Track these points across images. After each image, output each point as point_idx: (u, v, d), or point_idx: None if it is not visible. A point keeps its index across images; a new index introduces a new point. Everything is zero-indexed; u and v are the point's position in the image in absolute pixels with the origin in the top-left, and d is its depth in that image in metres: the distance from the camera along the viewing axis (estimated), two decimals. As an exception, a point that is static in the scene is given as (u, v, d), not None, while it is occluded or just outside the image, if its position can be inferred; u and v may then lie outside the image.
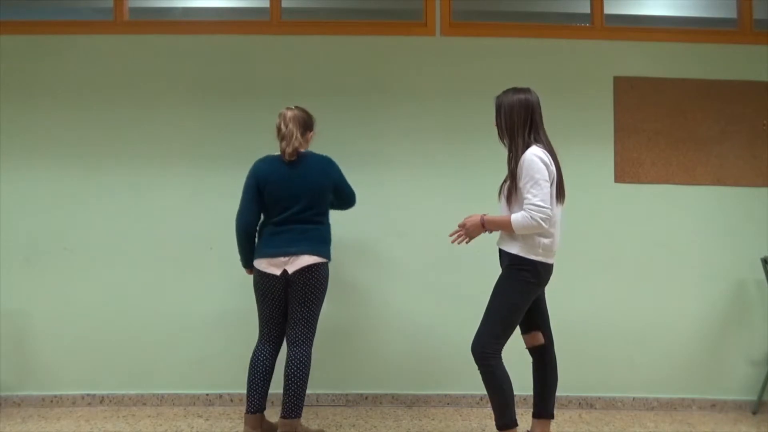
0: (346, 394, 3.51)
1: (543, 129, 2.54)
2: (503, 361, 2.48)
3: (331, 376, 3.48)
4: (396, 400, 3.51)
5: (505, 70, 3.52)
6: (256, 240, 2.82)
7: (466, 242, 2.61)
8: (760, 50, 3.61)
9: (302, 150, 2.78)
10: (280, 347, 2.85)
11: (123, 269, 3.49)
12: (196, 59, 3.58)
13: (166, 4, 4.01)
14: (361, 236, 3.50)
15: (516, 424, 2.49)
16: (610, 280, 3.52)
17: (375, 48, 3.60)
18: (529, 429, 2.72)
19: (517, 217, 2.40)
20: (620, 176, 3.57)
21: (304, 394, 2.74)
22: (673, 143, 3.57)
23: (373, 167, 3.54)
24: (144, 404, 3.47)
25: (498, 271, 2.57)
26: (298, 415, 2.72)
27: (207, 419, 3.25)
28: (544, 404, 2.66)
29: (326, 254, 2.79)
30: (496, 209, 2.63)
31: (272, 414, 3.00)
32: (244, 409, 2.83)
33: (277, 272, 2.70)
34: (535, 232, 2.41)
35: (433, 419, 3.28)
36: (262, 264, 2.74)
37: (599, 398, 3.51)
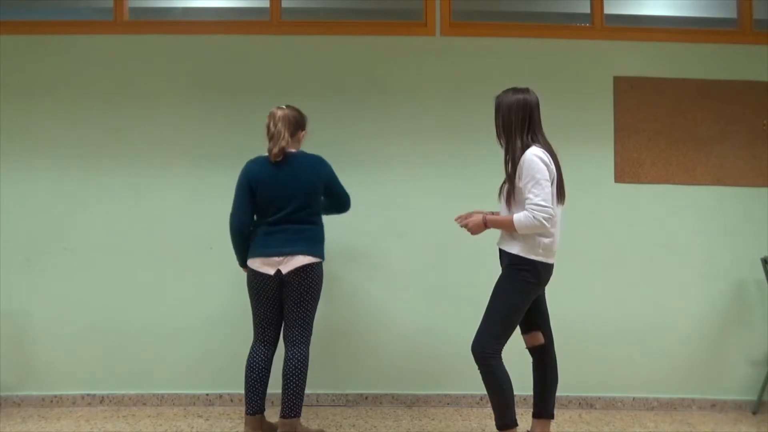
0: (346, 394, 3.51)
1: (541, 130, 2.54)
2: (503, 361, 2.48)
3: (331, 376, 3.48)
4: (396, 400, 3.51)
5: (505, 70, 3.52)
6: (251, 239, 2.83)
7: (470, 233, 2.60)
8: (760, 50, 3.61)
9: (292, 150, 2.77)
10: (275, 347, 2.85)
11: (123, 269, 3.49)
12: (196, 59, 3.58)
13: (166, 4, 4.01)
14: (361, 236, 3.50)
15: (516, 424, 2.49)
16: (610, 280, 3.52)
17: (375, 48, 3.60)
18: (529, 429, 2.72)
19: (519, 216, 2.40)
20: (620, 176, 3.57)
21: (303, 394, 2.74)
22: (673, 143, 3.57)
23: (373, 167, 3.54)
24: (144, 404, 3.47)
25: (498, 271, 2.57)
26: (298, 415, 2.72)
27: (207, 419, 3.25)
28: (544, 404, 2.67)
29: (320, 254, 2.78)
30: (497, 209, 2.63)
31: (272, 414, 3.00)
32: (244, 409, 2.83)
33: (271, 272, 2.70)
34: (538, 231, 2.41)
35: (433, 419, 3.28)
36: (256, 263, 2.74)
37: (599, 398, 3.51)
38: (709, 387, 3.51)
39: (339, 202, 2.92)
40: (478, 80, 3.55)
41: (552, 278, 2.56)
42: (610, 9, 3.68)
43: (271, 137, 2.73)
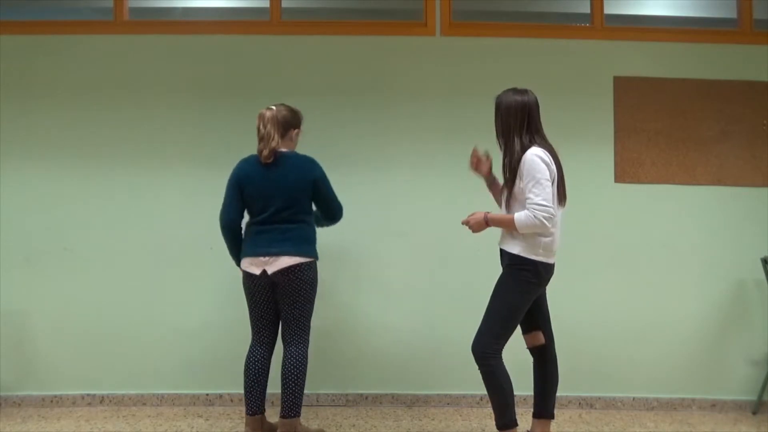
0: (346, 394, 3.51)
1: (542, 130, 2.54)
2: (503, 360, 2.48)
3: (331, 376, 3.48)
4: (396, 400, 3.51)
5: (505, 70, 3.52)
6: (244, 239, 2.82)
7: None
8: (760, 50, 3.61)
9: (284, 150, 2.76)
10: (272, 348, 2.85)
11: (123, 269, 3.49)
12: (196, 59, 3.58)
13: (166, 4, 4.02)
14: (361, 236, 3.50)
15: (516, 424, 2.50)
16: (610, 280, 3.52)
17: (375, 48, 3.60)
18: (529, 429, 2.72)
19: (520, 216, 2.41)
20: (620, 176, 3.57)
21: (302, 394, 2.74)
22: (673, 143, 3.57)
23: (373, 167, 3.54)
24: (144, 404, 3.47)
25: (498, 270, 2.57)
26: (297, 414, 2.72)
27: (207, 419, 3.25)
28: (544, 404, 2.67)
29: (309, 253, 2.74)
30: (497, 209, 2.64)
31: (273, 414, 3.00)
32: (244, 409, 2.83)
33: (257, 272, 2.69)
34: (538, 231, 2.41)
35: (433, 419, 3.28)
36: (245, 263, 2.75)
37: (599, 398, 3.51)
38: (709, 387, 3.51)
39: (328, 209, 2.83)
40: (477, 80, 3.55)
41: (552, 278, 2.56)
42: (610, 9, 3.68)
43: (261, 139, 2.72)
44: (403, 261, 3.52)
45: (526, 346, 2.68)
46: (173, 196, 3.53)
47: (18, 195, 3.51)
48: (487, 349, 2.46)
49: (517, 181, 2.45)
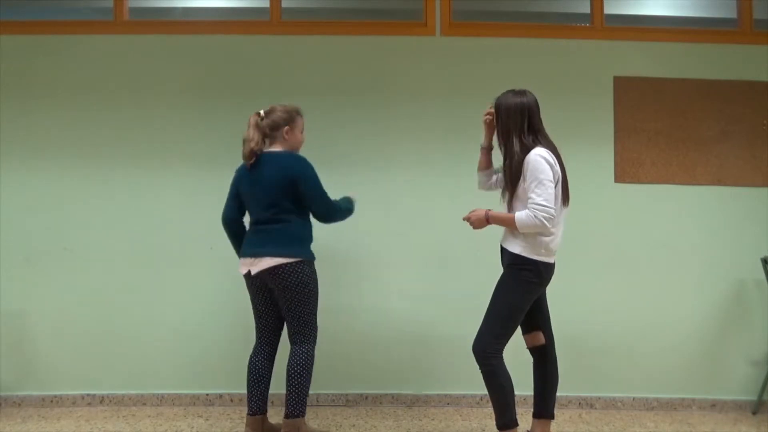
0: (346, 394, 3.51)
1: (543, 131, 2.54)
2: (504, 360, 2.48)
3: (331, 376, 3.48)
4: (396, 400, 3.51)
5: (505, 70, 3.53)
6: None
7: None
8: (760, 50, 3.61)
9: (274, 150, 2.75)
10: (275, 348, 2.85)
11: (123, 269, 3.49)
12: (196, 59, 3.58)
13: (166, 4, 4.02)
14: (361, 236, 3.50)
15: (516, 424, 2.50)
16: (610, 280, 3.52)
17: (375, 48, 3.60)
18: (529, 429, 2.72)
19: (521, 215, 2.41)
20: (620, 176, 3.57)
21: (306, 394, 2.72)
22: (673, 143, 3.57)
23: (373, 167, 3.54)
24: (144, 404, 3.47)
25: (499, 270, 2.57)
26: (301, 414, 2.71)
27: (207, 419, 3.25)
28: (544, 404, 2.67)
29: (294, 253, 2.67)
30: (497, 208, 2.63)
31: (275, 414, 3.00)
32: (244, 409, 2.84)
33: (244, 271, 2.74)
34: (538, 231, 2.42)
35: (433, 419, 3.28)
36: (240, 263, 2.79)
37: (599, 398, 3.51)
38: (709, 387, 3.51)
39: (315, 208, 2.75)
40: (477, 80, 3.55)
41: (552, 278, 2.56)
42: (610, 9, 3.68)
43: (243, 142, 2.75)
44: (403, 261, 3.52)
45: (526, 346, 2.68)
46: (173, 196, 3.53)
47: (18, 195, 3.51)
48: (488, 349, 2.46)
49: (521, 182, 2.45)
